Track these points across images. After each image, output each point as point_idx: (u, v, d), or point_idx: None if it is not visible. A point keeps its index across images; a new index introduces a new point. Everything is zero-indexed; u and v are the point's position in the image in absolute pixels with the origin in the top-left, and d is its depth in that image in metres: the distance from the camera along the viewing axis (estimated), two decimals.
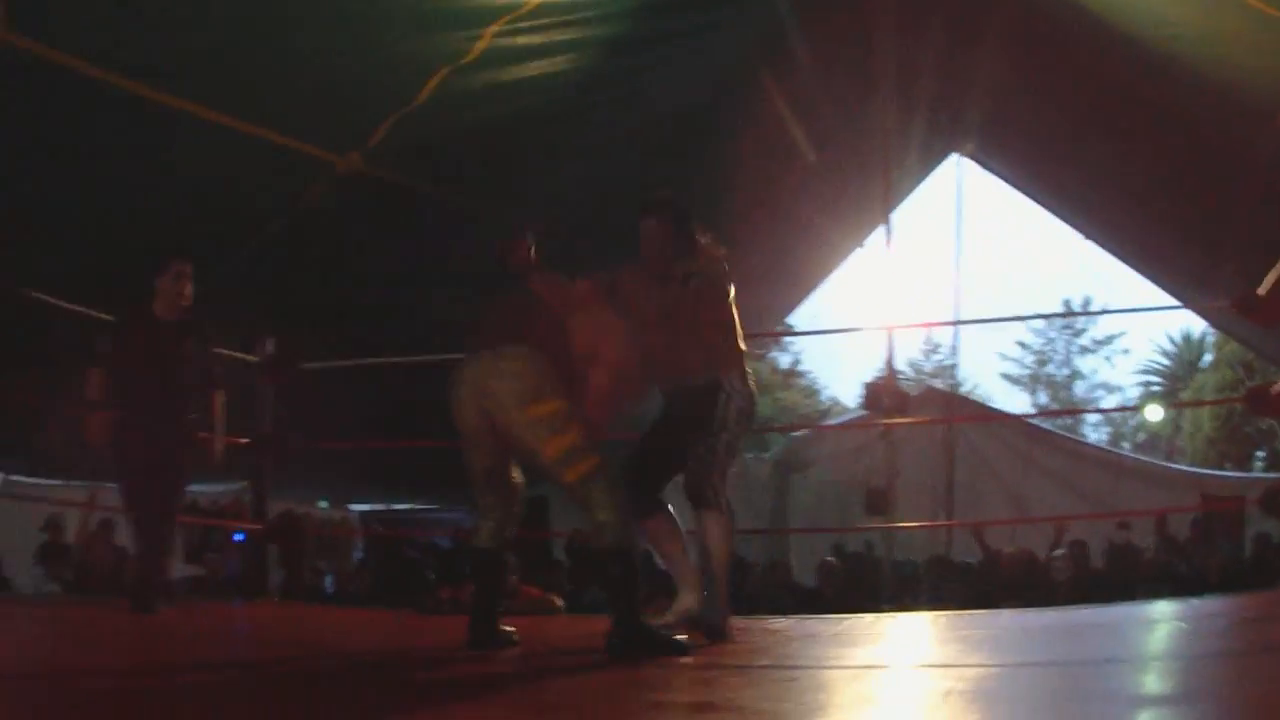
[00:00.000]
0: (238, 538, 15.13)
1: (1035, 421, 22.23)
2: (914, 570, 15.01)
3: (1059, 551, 13.23)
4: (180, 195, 10.99)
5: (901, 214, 17.22)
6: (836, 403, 37.26)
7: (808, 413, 36.38)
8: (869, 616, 8.45)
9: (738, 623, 6.26)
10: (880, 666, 5.09)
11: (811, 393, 38.43)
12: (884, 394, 13.59)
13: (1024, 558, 13.31)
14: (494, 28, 10.26)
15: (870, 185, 14.99)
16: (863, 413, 17.37)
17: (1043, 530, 14.84)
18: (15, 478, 16.86)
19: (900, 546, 16.11)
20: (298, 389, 10.47)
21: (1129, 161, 14.06)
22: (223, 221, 11.60)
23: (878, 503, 14.61)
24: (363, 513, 19.60)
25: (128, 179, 10.60)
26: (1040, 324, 42.20)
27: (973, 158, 16.97)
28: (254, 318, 11.36)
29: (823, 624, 7.60)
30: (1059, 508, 16.46)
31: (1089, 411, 42.37)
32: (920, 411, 15.73)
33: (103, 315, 9.56)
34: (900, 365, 31.35)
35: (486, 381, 5.29)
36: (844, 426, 20.56)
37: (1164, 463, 23.56)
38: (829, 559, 15.27)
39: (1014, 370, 43.36)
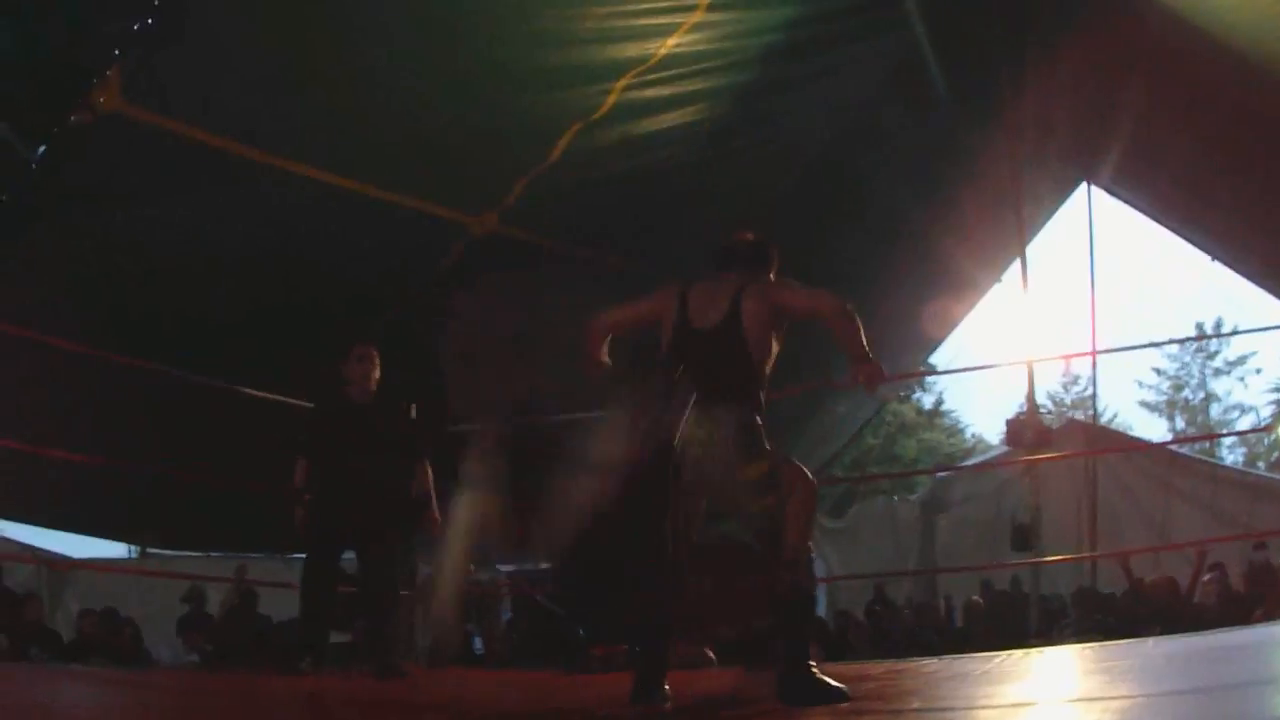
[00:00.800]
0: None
1: (1173, 448, 21.74)
2: (1060, 604, 14.84)
3: (1206, 577, 13.01)
4: (323, 266, 11.28)
5: (1035, 247, 17.03)
6: (980, 440, 36.92)
7: (952, 452, 36.08)
8: (1018, 653, 8.36)
9: (889, 666, 6.26)
10: (1029, 703, 5.06)
11: (955, 432, 38.12)
12: (1026, 429, 13.47)
13: (1167, 585, 13.06)
14: (623, 82, 10.40)
15: (1004, 218, 14.88)
16: (1005, 449, 17.25)
17: (1186, 556, 14.62)
18: (154, 551, 17.27)
19: (1047, 581, 15.97)
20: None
21: (1261, 186, 13.84)
22: (368, 289, 11.82)
23: (1024, 538, 14.47)
24: (509, 572, 19.70)
25: (272, 250, 10.87)
26: (1175, 349, 41.59)
27: (1103, 186, 16.79)
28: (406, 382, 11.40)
29: (972, 663, 7.54)
30: (1199, 532, 16.20)
31: (1223, 435, 41.30)
32: (1062, 444, 15.57)
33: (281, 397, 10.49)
34: (1040, 399, 31.02)
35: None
36: (986, 466, 20.28)
37: None
38: (975, 598, 15.16)
39: (1151, 397, 42.70)
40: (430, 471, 8.83)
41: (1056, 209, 17.34)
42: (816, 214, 13.70)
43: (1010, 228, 14.78)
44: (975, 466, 22.61)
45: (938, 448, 35.19)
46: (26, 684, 7.32)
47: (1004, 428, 14.37)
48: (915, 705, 5.11)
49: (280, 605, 15.19)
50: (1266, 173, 13.42)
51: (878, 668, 7.46)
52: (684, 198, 12.50)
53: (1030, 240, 15.67)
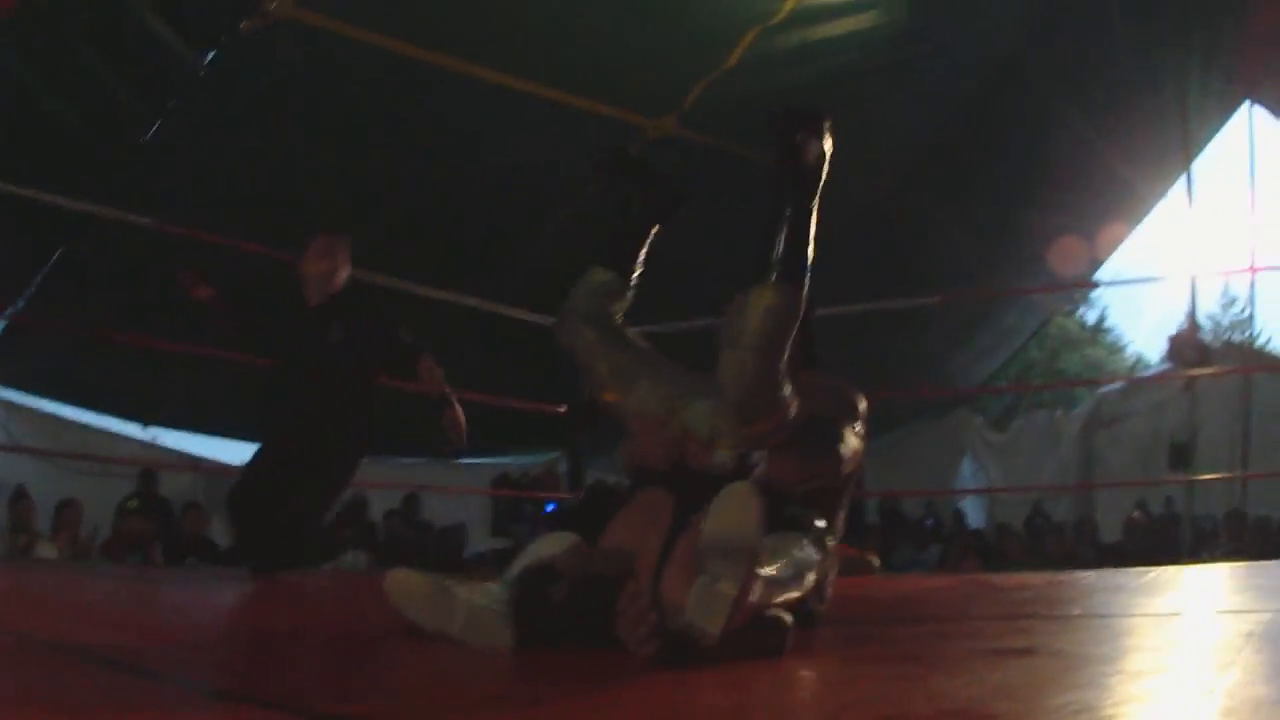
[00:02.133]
0: (549, 508, 15.54)
1: None
2: (1213, 524, 14.80)
3: None
4: (493, 167, 11.46)
5: (1200, 164, 16.82)
6: (1140, 359, 36.36)
7: (1114, 368, 35.59)
8: (1171, 569, 8.44)
9: (1048, 576, 6.35)
10: (1181, 613, 5.18)
11: (1116, 349, 37.56)
12: (1187, 346, 13.42)
13: None
14: None
15: (1169, 134, 14.78)
16: (1166, 366, 17.17)
17: None
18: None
19: (1200, 500, 15.96)
20: None
21: None
22: (538, 191, 12.04)
23: (1181, 457, 14.47)
24: None
25: (437, 153, 11.17)
26: None
27: (1265, 104, 16.49)
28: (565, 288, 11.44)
29: (1126, 577, 7.64)
30: None
31: None
32: (1221, 364, 15.45)
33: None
34: (1201, 319, 30.52)
35: None
36: (1148, 380, 20.09)
37: None
38: (1135, 515, 15.17)
39: None
40: (438, 369, 7.23)
41: (1220, 127, 17.06)
42: (989, 122, 13.69)
43: (1175, 143, 14.70)
44: (1136, 380, 22.33)
45: (1100, 364, 34.72)
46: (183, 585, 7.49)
47: (1165, 345, 14.35)
48: (1076, 612, 5.21)
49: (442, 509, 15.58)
50: None
51: (1037, 577, 7.58)
52: (860, 104, 12.42)
53: (1195, 157, 15.55)
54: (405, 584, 3.59)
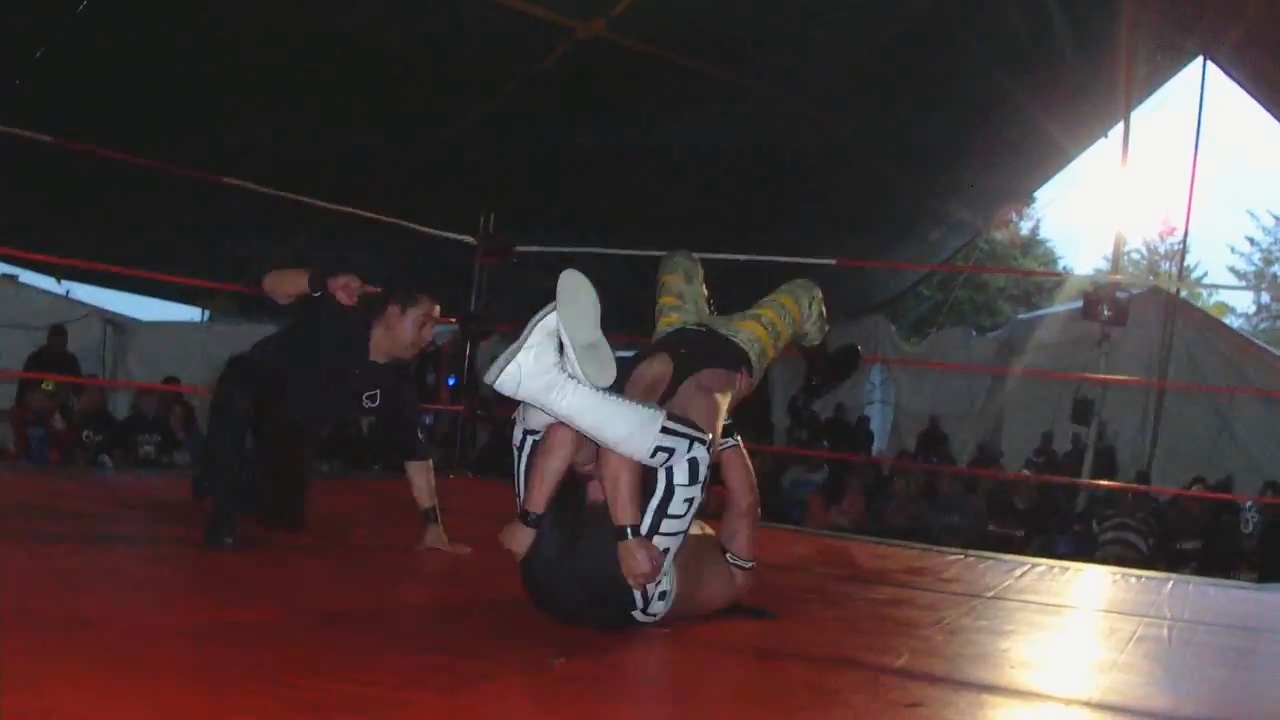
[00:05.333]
0: (451, 382, 15.55)
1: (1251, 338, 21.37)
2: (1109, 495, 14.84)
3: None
4: (410, 56, 11.31)
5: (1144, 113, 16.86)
6: (1071, 273, 36.41)
7: (1042, 282, 35.68)
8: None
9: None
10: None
11: (1048, 262, 37.55)
12: (1103, 303, 13.35)
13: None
14: None
15: (1116, 79, 14.75)
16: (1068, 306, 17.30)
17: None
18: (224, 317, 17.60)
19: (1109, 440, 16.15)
20: (510, 272, 10.10)
21: None
22: (453, 85, 11.85)
23: (1084, 413, 14.53)
24: None
25: (356, 36, 10.98)
26: (1272, 223, 40.68)
27: (1218, 62, 16.47)
28: (475, 193, 11.23)
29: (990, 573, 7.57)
30: (1264, 431, 16.33)
31: None
32: (1141, 313, 15.40)
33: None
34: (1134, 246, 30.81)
35: None
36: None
37: None
38: (1026, 470, 15.37)
39: (1242, 266, 41.82)
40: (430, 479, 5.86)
41: (1170, 78, 17.16)
42: (933, 51, 13.62)
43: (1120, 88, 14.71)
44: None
45: (1026, 280, 34.73)
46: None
47: (1081, 299, 14.31)
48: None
49: None
50: None
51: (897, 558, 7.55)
52: (799, 17, 12.45)
53: (1138, 105, 15.61)
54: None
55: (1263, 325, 37.07)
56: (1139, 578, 7.25)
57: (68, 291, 15.45)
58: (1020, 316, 23.23)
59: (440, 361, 15.99)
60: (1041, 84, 14.67)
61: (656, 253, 8.72)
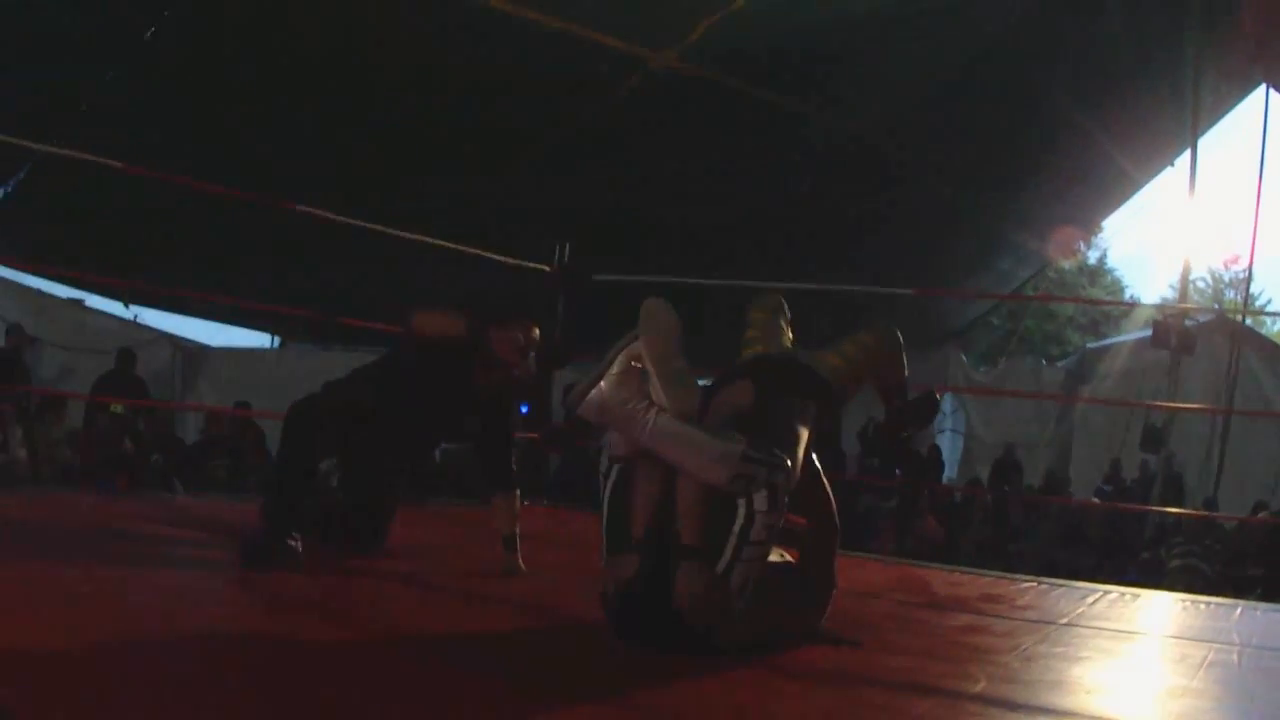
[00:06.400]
0: (524, 410, 15.68)
1: None
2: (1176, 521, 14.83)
3: None
4: (484, 87, 11.49)
5: (1210, 142, 16.85)
6: (1138, 301, 36.21)
7: (1110, 311, 35.52)
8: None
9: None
10: None
11: (1115, 290, 37.45)
12: (1171, 333, 13.39)
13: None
14: None
15: (1182, 109, 14.78)
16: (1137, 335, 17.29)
17: None
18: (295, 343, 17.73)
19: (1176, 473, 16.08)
20: (589, 301, 10.12)
21: None
22: (529, 115, 12.06)
23: (1153, 441, 14.53)
24: None
25: (429, 66, 11.19)
26: None
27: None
28: (552, 222, 11.42)
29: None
30: None
31: None
32: (1206, 342, 15.44)
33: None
34: (1198, 277, 30.63)
35: None
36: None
37: None
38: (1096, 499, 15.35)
39: None
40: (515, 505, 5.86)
41: (1235, 105, 17.10)
42: (1001, 82, 13.69)
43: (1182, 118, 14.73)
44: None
45: (1093, 308, 34.61)
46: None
47: (1150, 328, 14.33)
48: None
49: None
50: None
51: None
52: (860, 53, 12.58)
53: (1203, 133, 15.60)
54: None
55: None
56: (1207, 604, 7.25)
57: (135, 316, 15.66)
58: (1089, 346, 23.15)
59: (514, 389, 16.12)
60: (1108, 112, 14.66)
61: (732, 282, 8.88)
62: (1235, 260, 28.08)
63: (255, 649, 3.52)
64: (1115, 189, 18.54)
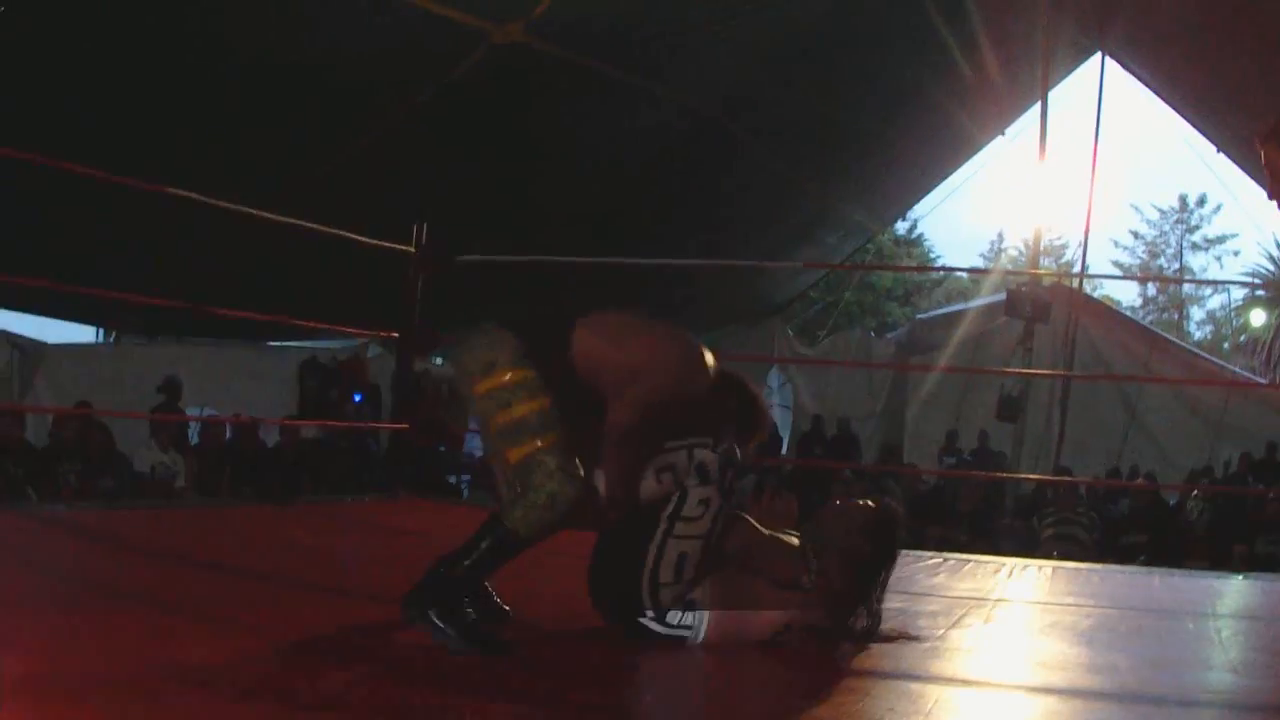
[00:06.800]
0: (357, 399, 15.40)
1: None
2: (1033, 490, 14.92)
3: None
4: (321, 62, 10.99)
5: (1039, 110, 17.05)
6: (949, 274, 36.83)
7: (921, 282, 36.08)
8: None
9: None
10: None
11: (927, 260, 37.97)
12: (1026, 301, 13.43)
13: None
14: None
15: (1017, 76, 14.92)
16: (969, 280, 17.48)
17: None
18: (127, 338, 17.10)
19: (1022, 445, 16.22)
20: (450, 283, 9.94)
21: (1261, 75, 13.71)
22: (367, 91, 11.61)
23: (1011, 409, 14.58)
24: None
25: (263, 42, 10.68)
26: (1156, 216, 41.82)
27: (1115, 57, 16.71)
28: (406, 201, 11.08)
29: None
30: (1172, 419, 16.62)
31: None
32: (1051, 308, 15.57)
33: None
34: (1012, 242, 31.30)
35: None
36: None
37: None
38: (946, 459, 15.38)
39: (1125, 259, 42.74)
40: None
41: (1069, 74, 17.37)
42: (830, 56, 13.74)
43: (1021, 86, 14.84)
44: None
45: (908, 278, 35.06)
46: None
47: (1003, 297, 14.38)
48: None
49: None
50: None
51: None
52: (706, 29, 12.40)
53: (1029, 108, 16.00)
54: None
55: (1149, 318, 37.85)
56: (1128, 572, 7.46)
57: None
58: (919, 317, 23.33)
59: (342, 378, 15.73)
60: (941, 85, 14.73)
61: (580, 259, 8.68)
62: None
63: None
64: (944, 160, 18.65)
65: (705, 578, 3.93)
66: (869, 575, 4.07)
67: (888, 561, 4.13)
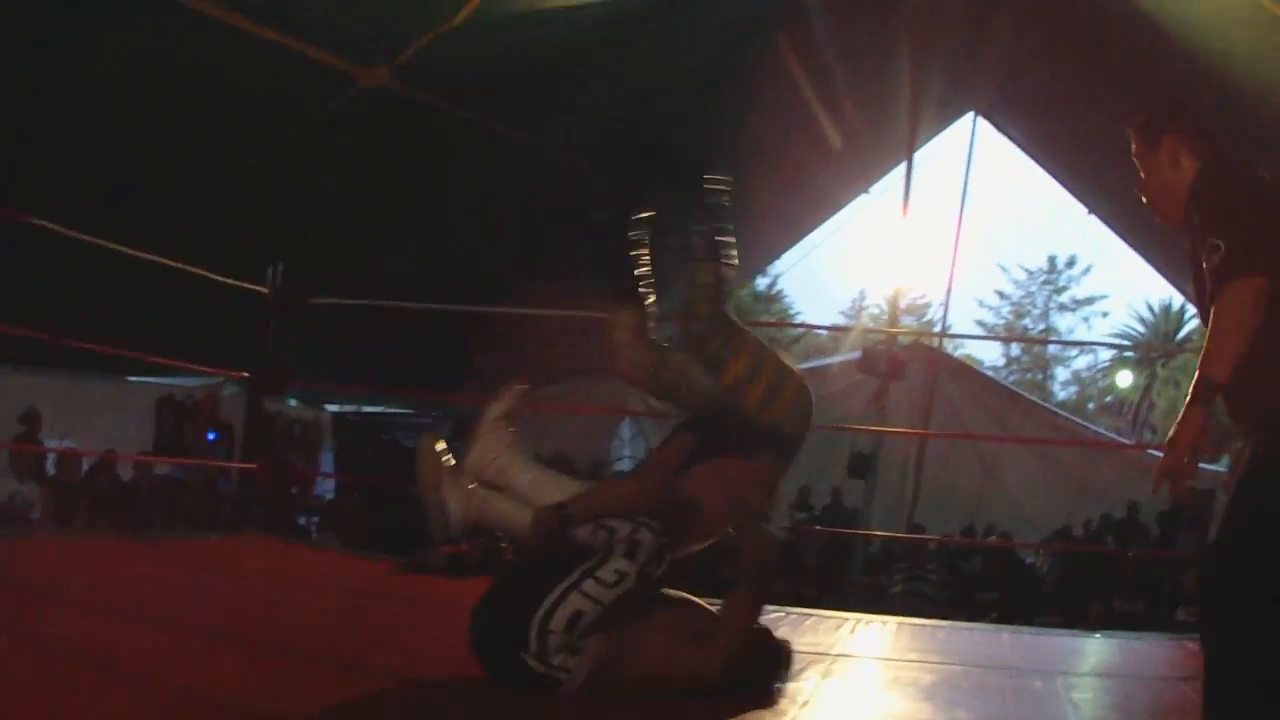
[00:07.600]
0: (211, 437, 15.22)
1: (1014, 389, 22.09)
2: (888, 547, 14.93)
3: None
4: (190, 100, 10.74)
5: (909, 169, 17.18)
6: (809, 332, 37.08)
7: (780, 338, 36.30)
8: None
9: None
10: None
11: (785, 317, 38.18)
12: (880, 359, 13.46)
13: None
14: None
15: (884, 134, 14.99)
16: (828, 336, 17.53)
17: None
18: None
19: (877, 502, 16.20)
20: (303, 325, 9.71)
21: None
22: (235, 127, 11.32)
23: (861, 468, 14.60)
24: (334, 413, 19.28)
25: (131, 73, 10.37)
26: (1023, 276, 42.42)
27: (988, 117, 16.90)
28: (262, 241, 10.76)
29: None
30: (1031, 478, 16.67)
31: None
32: (907, 367, 15.61)
33: None
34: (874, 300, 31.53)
35: None
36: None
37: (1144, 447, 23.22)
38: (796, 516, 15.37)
39: (990, 319, 43.22)
40: None
41: (939, 133, 17.53)
42: (700, 112, 13.70)
43: (888, 144, 14.91)
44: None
45: (766, 333, 35.14)
46: None
47: (860, 355, 14.42)
48: None
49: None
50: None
51: None
52: (578, 80, 12.41)
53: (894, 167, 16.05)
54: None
55: (1012, 378, 38.29)
56: (971, 629, 7.37)
57: None
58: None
59: (198, 416, 15.56)
60: (808, 140, 14.77)
61: (437, 306, 8.59)
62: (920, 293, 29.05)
63: None
64: (805, 217, 18.73)
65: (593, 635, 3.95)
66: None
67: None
